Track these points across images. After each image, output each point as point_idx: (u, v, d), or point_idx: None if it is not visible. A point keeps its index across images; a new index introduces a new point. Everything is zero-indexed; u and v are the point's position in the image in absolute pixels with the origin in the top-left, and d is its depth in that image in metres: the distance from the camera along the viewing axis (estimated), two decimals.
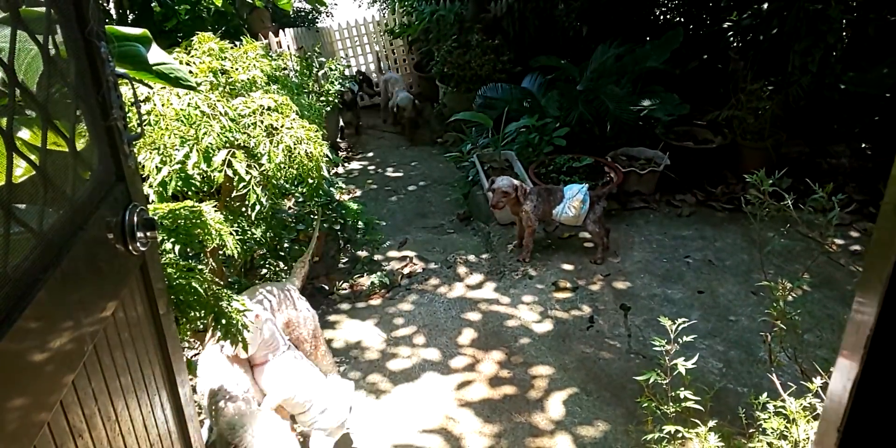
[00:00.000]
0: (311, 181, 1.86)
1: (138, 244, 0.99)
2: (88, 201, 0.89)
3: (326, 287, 2.96)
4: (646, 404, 1.56)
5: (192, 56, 1.90)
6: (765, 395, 1.51)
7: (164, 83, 1.21)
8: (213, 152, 1.70)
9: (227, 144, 1.75)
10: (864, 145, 3.86)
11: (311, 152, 1.82)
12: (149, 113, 1.69)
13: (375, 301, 2.88)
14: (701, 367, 2.26)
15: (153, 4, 3.46)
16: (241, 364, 1.75)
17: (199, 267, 1.36)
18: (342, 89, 4.17)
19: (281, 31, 5.06)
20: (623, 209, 3.58)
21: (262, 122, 1.81)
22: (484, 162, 3.78)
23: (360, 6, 6.77)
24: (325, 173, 1.97)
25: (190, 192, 1.71)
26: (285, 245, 2.63)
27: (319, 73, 3.96)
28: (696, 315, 2.66)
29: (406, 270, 3.11)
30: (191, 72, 1.82)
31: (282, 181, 1.90)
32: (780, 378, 1.61)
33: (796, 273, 2.80)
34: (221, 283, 1.78)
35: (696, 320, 2.57)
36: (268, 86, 2.09)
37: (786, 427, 1.43)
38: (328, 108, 3.76)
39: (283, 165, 1.78)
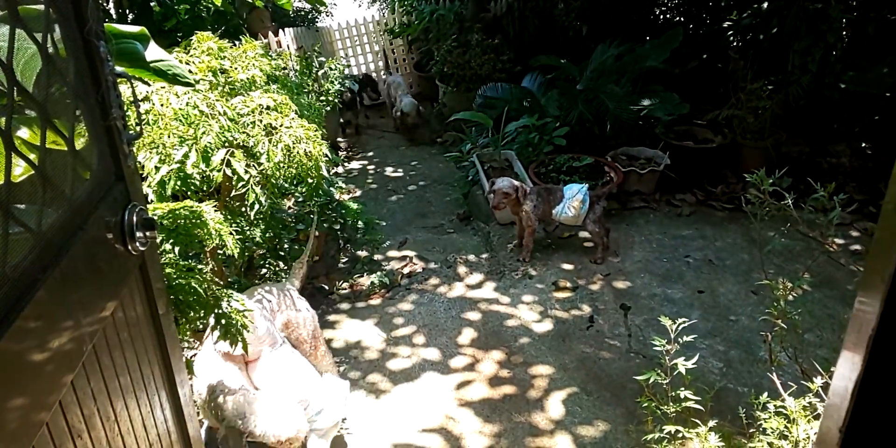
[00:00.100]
0: (310, 181, 1.86)
1: (137, 244, 0.99)
2: (87, 201, 0.89)
3: (326, 287, 2.96)
4: (646, 404, 1.55)
5: (192, 55, 1.90)
6: (765, 394, 1.51)
7: (162, 80, 1.21)
8: (212, 152, 1.69)
9: (226, 144, 1.75)
10: (864, 145, 3.86)
11: (310, 152, 1.82)
12: (148, 112, 1.68)
13: (375, 301, 2.88)
14: (701, 367, 2.26)
15: (152, 4, 3.45)
16: (234, 361, 1.76)
17: (199, 267, 1.35)
18: (342, 89, 4.17)
19: (280, 30, 5.06)
20: (623, 209, 3.58)
21: (260, 121, 1.81)
22: (484, 162, 3.78)
23: (359, 6, 6.76)
24: (325, 173, 1.97)
25: (189, 192, 1.71)
26: (285, 245, 2.62)
27: (319, 73, 3.96)
28: (697, 315, 2.66)
29: (406, 270, 3.11)
30: (190, 71, 1.82)
31: (281, 181, 1.90)
32: (780, 378, 1.61)
33: (797, 272, 2.80)
34: (221, 282, 1.78)
35: (697, 320, 2.57)
36: (267, 85, 2.09)
37: (786, 427, 1.43)
38: (328, 108, 3.75)
39: (282, 165, 1.77)
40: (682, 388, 1.52)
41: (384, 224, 3.54)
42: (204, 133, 1.66)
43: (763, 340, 2.40)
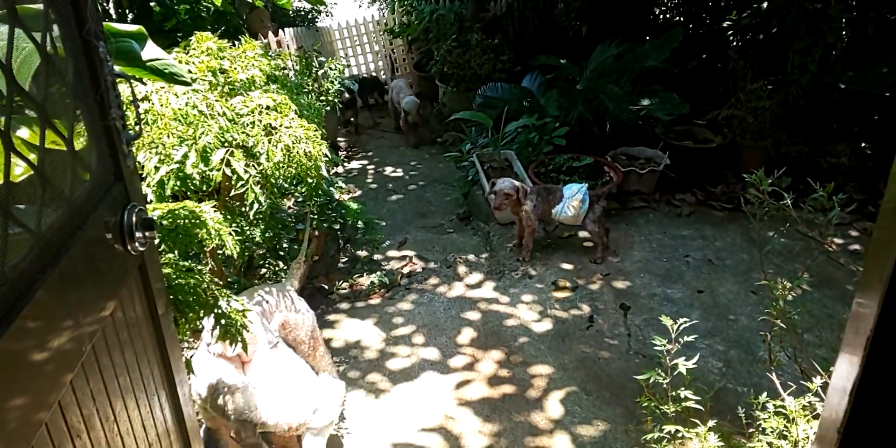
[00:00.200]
0: (310, 180, 1.86)
1: (137, 244, 0.99)
2: (87, 201, 0.89)
3: (326, 287, 2.96)
4: (645, 404, 1.55)
5: (191, 55, 1.90)
6: (764, 394, 1.51)
7: (159, 79, 1.21)
8: (212, 152, 1.69)
9: (226, 144, 1.75)
10: (863, 144, 3.86)
11: (309, 152, 1.82)
12: (147, 112, 1.68)
13: (375, 300, 2.88)
14: (701, 367, 2.26)
15: (152, 4, 3.45)
16: (231, 361, 1.76)
17: (199, 267, 1.36)
18: (341, 89, 4.17)
19: (280, 30, 5.06)
20: (623, 209, 3.58)
21: (260, 121, 1.81)
22: (484, 161, 3.78)
23: (359, 6, 6.76)
24: (325, 173, 1.97)
25: (189, 192, 1.71)
26: (284, 245, 2.62)
27: (319, 73, 3.96)
28: (696, 314, 2.66)
29: (406, 270, 3.11)
30: (189, 71, 1.82)
31: (280, 180, 1.90)
32: (779, 377, 1.61)
33: (796, 272, 2.80)
34: (221, 282, 1.78)
35: (696, 320, 2.56)
36: (267, 85, 2.09)
37: (785, 427, 1.43)
38: (328, 108, 3.75)
39: (281, 165, 1.77)
40: (682, 388, 1.52)
41: (384, 224, 3.54)
42: (203, 133, 1.66)
43: (762, 340, 2.40)
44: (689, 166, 3.76)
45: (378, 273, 2.99)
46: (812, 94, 3.61)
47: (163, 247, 1.40)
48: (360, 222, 2.97)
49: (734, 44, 4.47)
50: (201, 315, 1.34)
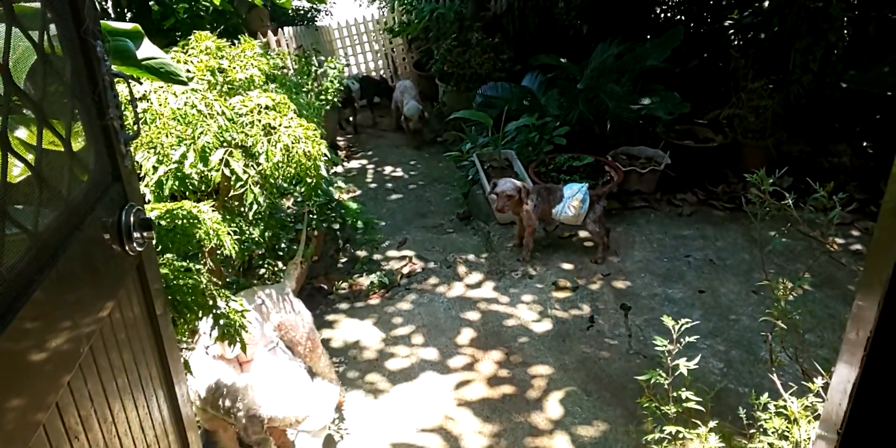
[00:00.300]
0: (309, 180, 1.86)
1: (135, 244, 0.98)
2: (84, 201, 0.89)
3: (325, 287, 2.96)
4: (646, 404, 1.55)
5: (190, 55, 1.89)
6: (766, 395, 1.51)
7: (154, 78, 1.20)
8: (210, 152, 1.69)
9: (225, 144, 1.75)
10: (865, 144, 3.85)
11: (309, 151, 1.81)
12: (146, 112, 1.68)
13: (374, 301, 2.88)
14: (702, 367, 2.26)
15: (151, 3, 3.45)
16: (228, 361, 1.76)
17: (197, 267, 1.35)
18: (341, 88, 4.16)
19: (280, 29, 5.05)
20: (623, 208, 3.57)
21: (259, 121, 1.80)
22: (484, 161, 3.77)
23: (359, 5, 6.75)
24: (324, 172, 1.96)
25: (187, 192, 1.71)
26: (283, 245, 2.62)
27: (318, 72, 3.95)
28: (697, 314, 2.65)
29: (405, 270, 3.10)
30: (188, 71, 1.81)
31: (280, 180, 1.89)
32: (781, 378, 1.60)
33: (797, 272, 2.79)
34: (220, 283, 1.78)
35: (697, 320, 2.56)
36: (266, 84, 2.08)
37: (787, 427, 1.43)
38: (327, 107, 3.75)
39: (281, 165, 1.77)
40: (683, 389, 1.52)
41: (383, 224, 3.54)
42: (202, 133, 1.66)
43: (764, 340, 2.39)
44: (690, 166, 3.75)
45: (377, 273, 2.99)
46: (813, 93, 3.60)
47: (160, 247, 1.39)
48: (359, 222, 2.97)
49: (735, 43, 4.46)
50: (200, 315, 1.33)
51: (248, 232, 2.15)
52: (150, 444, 1.10)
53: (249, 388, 1.67)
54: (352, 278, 3.01)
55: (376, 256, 3.19)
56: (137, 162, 1.63)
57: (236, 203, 2.03)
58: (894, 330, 0.63)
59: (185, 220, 1.41)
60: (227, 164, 1.71)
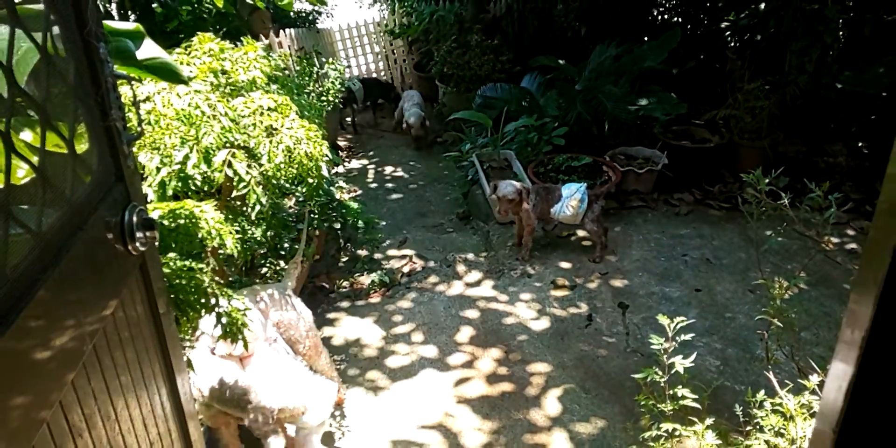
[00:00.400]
0: (310, 181, 1.87)
1: (138, 244, 0.99)
2: (87, 202, 0.89)
3: (327, 286, 2.97)
4: (643, 402, 1.56)
5: (192, 56, 1.90)
6: (762, 392, 1.52)
7: (155, 78, 1.21)
8: (213, 153, 1.70)
9: (227, 144, 1.76)
10: (860, 144, 3.87)
11: (310, 152, 1.82)
12: (149, 113, 1.69)
13: (375, 299, 2.89)
14: (698, 365, 2.27)
15: (154, 5, 3.45)
16: (230, 358, 1.77)
17: (200, 266, 1.36)
18: (342, 89, 4.16)
19: (282, 31, 5.06)
20: (621, 208, 3.59)
21: (261, 122, 1.81)
22: (483, 161, 3.79)
23: (360, 7, 6.76)
24: (325, 173, 1.97)
25: (189, 192, 1.71)
26: (285, 244, 2.63)
27: (320, 73, 3.96)
28: (694, 313, 2.67)
29: (406, 269, 3.11)
30: (190, 72, 1.82)
31: (282, 181, 1.90)
32: (777, 376, 1.62)
33: (793, 271, 2.81)
34: (222, 281, 1.78)
35: (694, 318, 2.57)
36: (268, 86, 2.09)
37: (783, 425, 1.44)
38: (328, 109, 3.76)
39: (282, 165, 1.78)
40: (680, 386, 1.53)
41: (384, 223, 3.55)
42: (205, 134, 1.67)
43: (760, 338, 2.41)
44: (686, 166, 3.77)
45: (378, 272, 3.00)
46: (809, 94, 3.62)
47: (163, 246, 1.40)
48: (360, 222, 2.98)
49: (732, 44, 4.48)
50: (202, 314, 1.34)
51: (250, 231, 2.15)
52: (153, 442, 1.11)
53: (255, 382, 1.68)
54: (353, 277, 3.02)
55: (377, 255, 3.20)
56: (140, 162, 1.63)
57: (238, 203, 2.04)
58: (889, 329, 0.64)
59: (187, 220, 1.42)
60: (230, 165, 1.72)
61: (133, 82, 1.16)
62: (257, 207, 1.75)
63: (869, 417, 0.68)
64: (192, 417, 1.31)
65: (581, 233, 3.33)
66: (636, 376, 1.59)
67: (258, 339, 1.79)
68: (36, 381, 0.73)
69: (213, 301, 1.35)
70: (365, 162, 4.61)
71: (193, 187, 1.69)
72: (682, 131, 4.01)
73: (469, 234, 3.46)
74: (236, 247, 1.52)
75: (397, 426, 2.14)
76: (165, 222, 1.41)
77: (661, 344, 1.53)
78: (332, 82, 3.83)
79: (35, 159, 0.77)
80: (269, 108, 1.85)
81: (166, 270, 1.28)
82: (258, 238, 2.20)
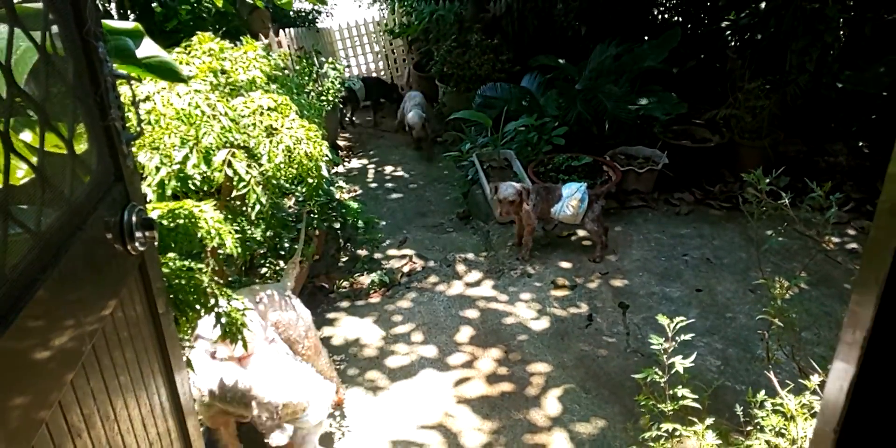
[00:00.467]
0: (310, 181, 1.86)
1: (137, 244, 0.99)
2: (86, 201, 0.89)
3: (326, 285, 2.96)
4: (644, 402, 1.56)
5: (192, 56, 1.90)
6: (762, 392, 1.52)
7: (154, 76, 1.21)
8: (213, 152, 1.70)
9: (227, 144, 1.75)
10: (861, 144, 3.87)
11: (310, 152, 1.82)
12: (149, 113, 1.68)
13: (375, 299, 2.89)
14: (699, 365, 2.27)
15: (154, 5, 3.45)
16: (230, 358, 1.77)
17: (199, 266, 1.36)
18: (342, 89, 4.16)
19: (281, 31, 5.05)
20: (621, 208, 3.59)
21: (261, 122, 1.81)
22: (483, 161, 3.78)
23: (359, 6, 6.76)
24: (325, 173, 1.97)
25: (189, 192, 1.71)
26: (285, 244, 2.63)
27: (319, 73, 3.96)
28: (695, 313, 2.67)
29: (406, 269, 3.11)
30: (190, 71, 1.82)
31: (282, 181, 1.90)
32: (777, 376, 1.61)
33: (794, 271, 2.81)
34: (222, 281, 1.78)
35: (695, 318, 2.57)
36: (267, 85, 2.09)
37: (784, 425, 1.44)
38: (329, 108, 3.76)
39: (282, 165, 1.78)
40: (680, 386, 1.53)
41: (384, 223, 3.55)
42: (205, 133, 1.67)
43: (760, 338, 2.41)
44: (687, 165, 3.76)
45: (378, 272, 3.00)
46: (810, 93, 3.62)
47: (162, 246, 1.40)
48: (360, 221, 2.98)
49: (732, 44, 4.47)
50: (202, 314, 1.34)
51: (249, 231, 2.15)
52: (152, 442, 1.11)
53: (257, 378, 1.69)
54: (352, 277, 3.02)
55: (377, 255, 3.20)
56: (140, 162, 1.63)
57: (238, 203, 2.04)
58: (891, 329, 0.63)
59: (186, 220, 1.42)
60: (230, 165, 1.72)
61: (132, 82, 1.16)
62: (257, 207, 1.74)
63: (870, 418, 0.68)
64: (191, 417, 1.31)
65: (581, 232, 3.33)
66: (636, 376, 1.59)
67: (257, 337, 1.79)
68: (35, 381, 0.72)
69: (212, 301, 1.35)
70: (365, 161, 4.61)
71: (193, 187, 1.69)
72: (682, 131, 4.01)
73: (469, 234, 3.46)
74: (236, 247, 1.52)
75: (397, 426, 2.14)
76: (165, 222, 1.40)
77: (662, 344, 1.53)
78: (332, 82, 3.83)
79: (34, 159, 0.77)
80: (268, 108, 1.85)
81: (165, 270, 1.28)
82: (258, 238, 2.20)
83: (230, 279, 2.29)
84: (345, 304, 2.86)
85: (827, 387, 0.73)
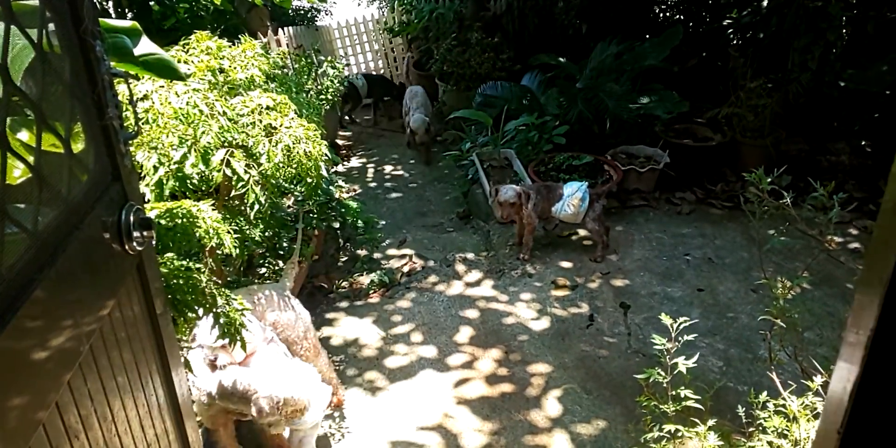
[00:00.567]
0: (309, 180, 1.86)
1: (135, 244, 0.99)
2: (84, 201, 0.89)
3: (325, 285, 2.96)
4: (645, 403, 1.55)
5: (190, 55, 1.89)
6: (765, 393, 1.51)
7: (152, 74, 1.20)
8: (212, 152, 1.69)
9: (226, 144, 1.75)
10: (863, 143, 3.85)
11: (309, 151, 1.81)
12: (147, 112, 1.68)
13: (374, 299, 2.88)
14: (701, 366, 2.26)
15: (151, 3, 3.44)
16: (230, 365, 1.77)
17: (197, 266, 1.35)
18: (341, 88, 4.14)
19: (280, 29, 5.04)
20: (623, 207, 3.58)
21: (260, 121, 1.80)
22: (483, 160, 3.78)
23: (359, 5, 6.75)
24: (324, 172, 1.96)
25: (187, 192, 1.71)
26: (284, 244, 2.62)
27: (318, 71, 3.95)
28: (696, 313, 2.66)
29: (405, 269, 3.10)
30: (188, 70, 1.81)
31: (281, 180, 1.89)
32: (780, 376, 1.61)
33: (796, 271, 2.80)
34: (220, 282, 1.78)
35: (696, 318, 2.56)
36: (266, 84, 2.08)
37: (786, 426, 1.43)
38: (328, 107, 3.75)
39: (281, 165, 1.77)
40: (682, 387, 1.52)
41: (384, 223, 3.54)
42: (203, 133, 1.66)
43: (763, 339, 2.40)
44: (688, 165, 3.75)
45: (378, 272, 2.99)
46: (812, 92, 3.61)
47: (160, 246, 1.39)
48: (359, 221, 2.97)
49: (734, 42, 4.46)
50: (200, 314, 1.33)
51: (248, 231, 2.15)
52: (150, 443, 1.10)
53: (257, 375, 1.68)
54: (352, 277, 3.01)
55: (376, 255, 3.19)
56: (138, 162, 1.63)
57: (237, 202, 2.03)
58: (895, 329, 0.63)
59: (184, 220, 1.41)
60: (229, 165, 1.71)
61: (130, 80, 1.15)
62: (256, 207, 1.74)
63: (874, 419, 0.67)
64: (189, 418, 1.31)
65: (582, 232, 3.32)
66: (638, 377, 1.58)
67: (256, 336, 1.78)
68: (32, 382, 0.72)
69: (210, 301, 1.34)
70: (364, 160, 4.60)
71: (191, 187, 1.68)
72: (683, 130, 3.99)
73: (469, 234, 3.45)
74: (234, 246, 1.51)
75: (396, 427, 2.13)
76: (163, 222, 1.40)
77: (664, 344, 1.52)
78: (331, 80, 3.82)
79: (31, 158, 0.76)
80: (267, 107, 1.84)
81: (164, 270, 1.27)
82: (256, 238, 2.20)
83: (229, 279, 2.28)
84: (344, 304, 2.86)
85: (830, 387, 0.72)
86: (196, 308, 1.31)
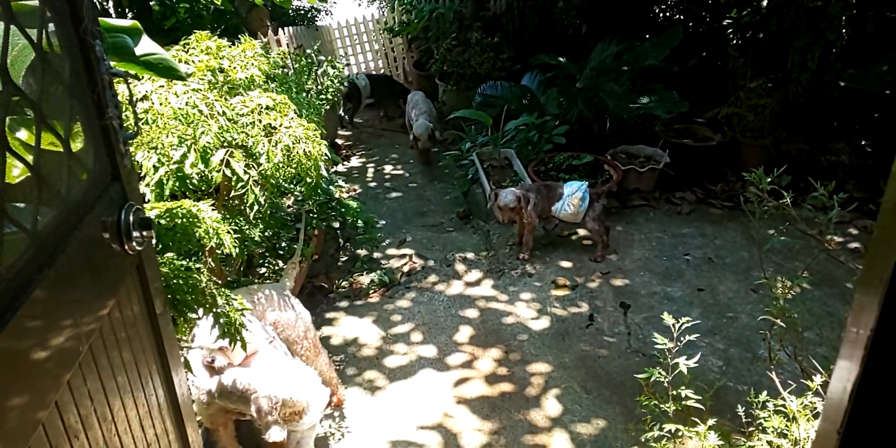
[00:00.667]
0: (309, 180, 1.86)
1: (134, 243, 0.99)
2: (83, 201, 0.89)
3: (325, 285, 2.96)
4: (645, 402, 1.55)
5: (190, 54, 1.89)
6: (765, 393, 1.51)
7: (153, 74, 1.20)
8: (211, 152, 1.69)
9: (226, 144, 1.75)
10: (864, 142, 3.85)
11: (309, 151, 1.81)
12: (147, 112, 1.68)
13: (374, 299, 2.88)
14: (701, 366, 2.26)
15: (152, 3, 3.44)
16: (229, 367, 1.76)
17: (197, 266, 1.35)
18: (341, 88, 4.14)
19: (280, 29, 5.04)
20: (623, 207, 3.58)
21: (260, 121, 1.80)
22: (483, 160, 3.78)
23: (359, 5, 6.75)
24: (324, 172, 1.96)
25: (187, 192, 1.71)
26: (283, 244, 2.62)
27: (318, 71, 3.95)
28: (696, 313, 2.66)
29: (405, 268, 3.10)
30: (188, 69, 1.81)
31: (280, 180, 1.89)
32: (780, 376, 1.61)
33: (796, 271, 2.80)
34: (220, 281, 1.78)
35: (696, 318, 2.55)
36: (266, 84, 2.08)
37: (786, 425, 1.43)
38: (327, 107, 3.75)
39: (281, 165, 1.77)
40: (682, 387, 1.52)
41: (384, 222, 3.54)
42: (203, 133, 1.66)
43: (763, 338, 2.40)
44: (688, 164, 3.75)
45: (378, 272, 2.99)
46: (812, 92, 3.61)
47: (160, 246, 1.39)
48: (359, 221, 2.97)
49: (734, 42, 4.46)
50: (200, 314, 1.33)
51: (248, 231, 2.15)
52: (150, 442, 1.10)
53: (257, 374, 1.68)
54: (352, 277, 3.01)
55: (376, 255, 3.19)
56: (138, 161, 1.63)
57: (237, 202, 2.03)
58: (895, 328, 0.63)
59: (184, 220, 1.41)
60: (228, 165, 1.71)
61: (130, 80, 1.15)
62: (255, 207, 1.74)
63: (874, 418, 0.67)
64: (189, 418, 1.31)
65: (582, 232, 3.32)
66: (638, 376, 1.58)
67: (256, 336, 1.78)
68: (32, 382, 0.72)
69: (210, 301, 1.34)
70: (364, 160, 4.60)
71: (191, 187, 1.68)
72: (683, 129, 3.99)
73: (469, 234, 3.45)
74: (234, 246, 1.51)
75: (396, 427, 2.13)
76: (163, 222, 1.40)
77: (664, 344, 1.52)
78: (332, 80, 3.82)
79: (30, 158, 0.76)
80: (267, 107, 1.84)
81: (163, 270, 1.27)
82: (256, 238, 2.20)
83: (229, 279, 2.28)
84: (344, 303, 2.86)
85: (830, 387, 0.72)
86: (196, 308, 1.30)
